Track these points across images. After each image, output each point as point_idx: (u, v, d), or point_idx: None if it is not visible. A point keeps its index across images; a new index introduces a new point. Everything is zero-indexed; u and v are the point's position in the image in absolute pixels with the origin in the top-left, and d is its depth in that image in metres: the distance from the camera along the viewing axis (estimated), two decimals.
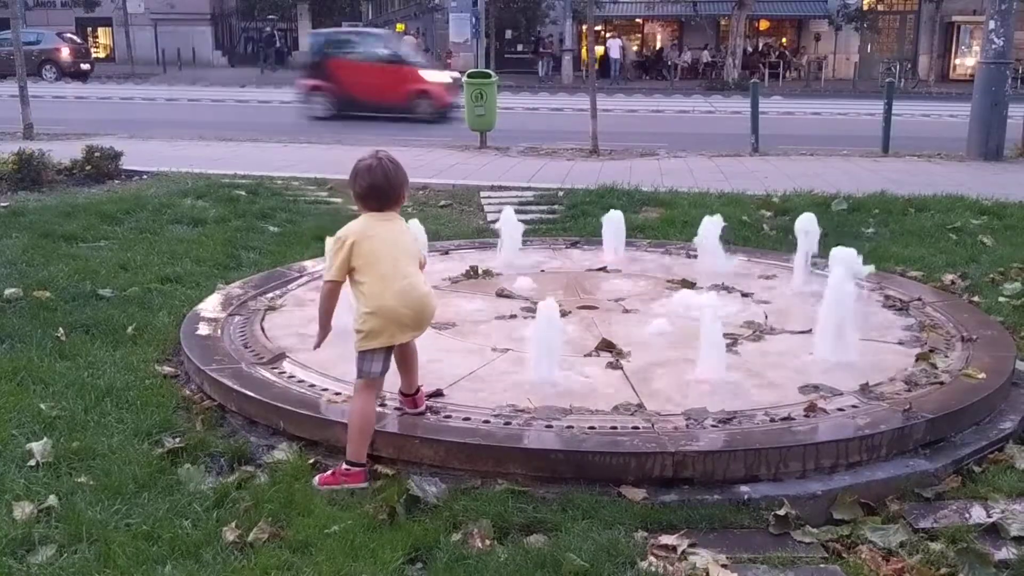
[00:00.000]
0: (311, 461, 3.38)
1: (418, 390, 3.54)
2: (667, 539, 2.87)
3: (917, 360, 4.15)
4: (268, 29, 44.46)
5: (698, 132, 16.88)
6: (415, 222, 4.40)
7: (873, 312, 4.92)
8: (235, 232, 7.07)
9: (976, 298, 5.43)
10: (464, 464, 3.28)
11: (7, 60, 23.40)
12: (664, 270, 5.87)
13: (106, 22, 44.28)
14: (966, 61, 36.17)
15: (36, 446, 3.37)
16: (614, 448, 3.25)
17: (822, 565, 2.82)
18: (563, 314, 4.31)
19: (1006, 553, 2.87)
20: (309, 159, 11.63)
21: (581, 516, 2.98)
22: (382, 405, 3.50)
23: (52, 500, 3.03)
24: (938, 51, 37.45)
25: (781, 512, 3.02)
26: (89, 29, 44.08)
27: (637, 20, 41.53)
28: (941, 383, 3.88)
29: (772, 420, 3.49)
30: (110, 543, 2.78)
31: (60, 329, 4.67)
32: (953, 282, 5.79)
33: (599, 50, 33.61)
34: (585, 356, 4.21)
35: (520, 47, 39.97)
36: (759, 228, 7.37)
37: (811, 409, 3.56)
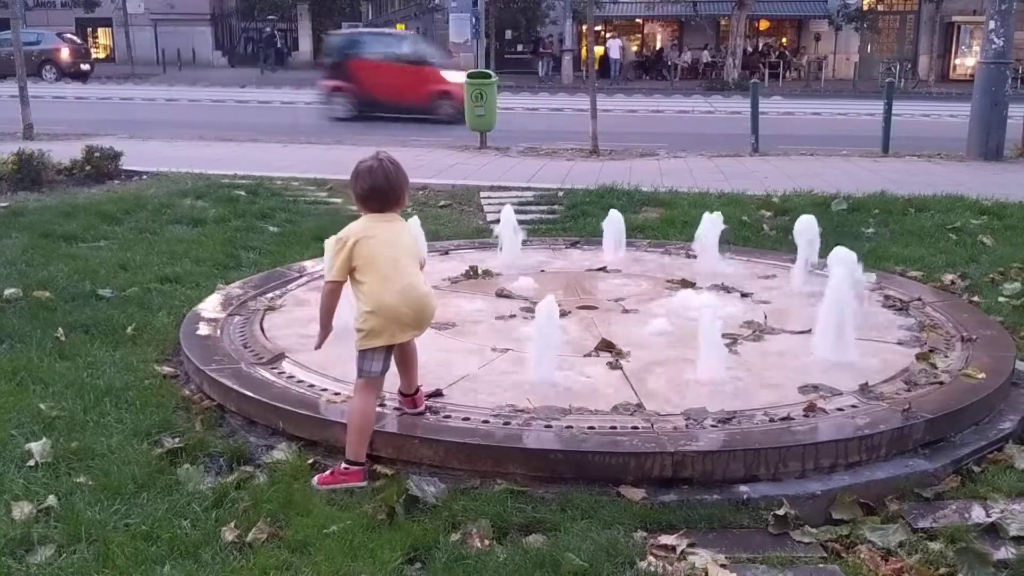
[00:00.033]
0: (310, 461, 3.37)
1: (417, 390, 3.54)
2: (666, 539, 2.87)
3: (917, 360, 4.15)
4: (268, 29, 44.46)
5: (698, 132, 16.88)
6: (415, 220, 4.40)
7: (873, 312, 4.92)
8: (235, 232, 7.07)
9: (976, 298, 5.43)
10: (463, 464, 3.28)
11: (7, 60, 23.38)
12: (664, 270, 5.87)
13: (106, 22, 44.29)
14: (966, 61, 36.17)
15: (35, 446, 3.37)
16: (613, 448, 3.25)
17: (821, 565, 2.82)
18: (563, 314, 4.31)
19: (1005, 553, 2.87)
20: (309, 159, 11.63)
21: (580, 516, 2.98)
22: (381, 405, 3.50)
23: (51, 500, 3.03)
24: (938, 51, 37.45)
25: (780, 512, 3.02)
26: (89, 29, 44.09)
27: (637, 20, 41.54)
28: (941, 383, 3.88)
29: (771, 420, 3.49)
30: (109, 543, 2.78)
31: (60, 329, 4.67)
32: (953, 282, 5.79)
33: (599, 50, 33.61)
34: (585, 356, 4.21)
35: (520, 47, 39.97)
36: (759, 228, 7.37)
37: (810, 409, 3.56)
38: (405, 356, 3.45)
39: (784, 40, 40.75)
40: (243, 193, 8.64)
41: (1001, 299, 5.37)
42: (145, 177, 9.74)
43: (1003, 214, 7.72)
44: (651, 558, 2.77)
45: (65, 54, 32.14)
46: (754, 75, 29.00)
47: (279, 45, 44.12)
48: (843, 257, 4.41)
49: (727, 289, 5.36)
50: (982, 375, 3.92)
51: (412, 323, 3.29)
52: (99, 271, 5.76)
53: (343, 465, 3.23)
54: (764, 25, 40.55)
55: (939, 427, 3.52)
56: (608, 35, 38.53)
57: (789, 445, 3.28)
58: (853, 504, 3.12)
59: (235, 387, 3.83)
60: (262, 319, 4.80)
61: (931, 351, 4.26)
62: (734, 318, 4.72)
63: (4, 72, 25.43)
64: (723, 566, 2.75)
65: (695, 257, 6.07)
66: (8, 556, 2.75)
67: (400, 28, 39.35)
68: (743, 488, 3.16)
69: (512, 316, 4.82)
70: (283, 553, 2.77)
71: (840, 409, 3.60)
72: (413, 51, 19.43)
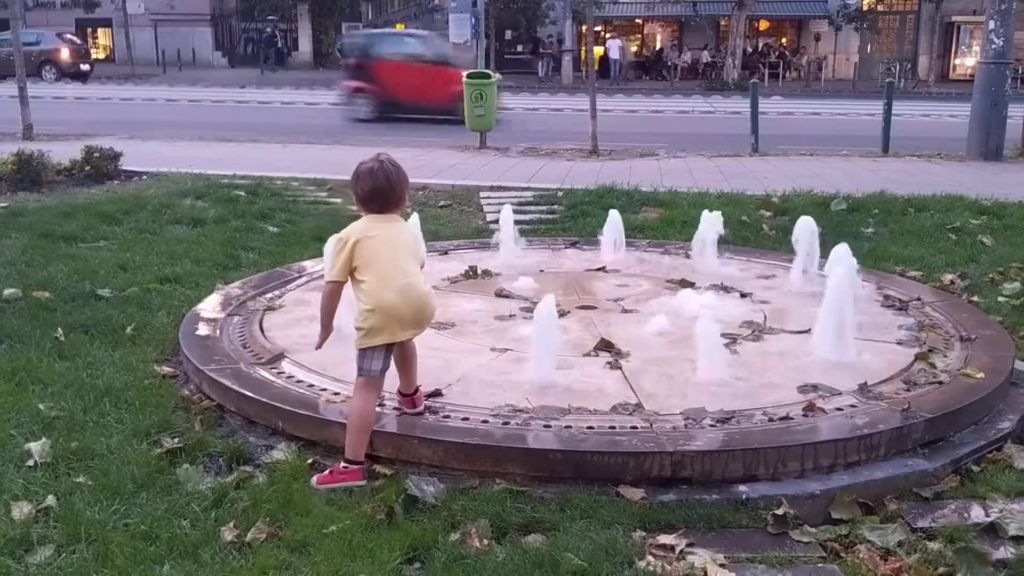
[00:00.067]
0: (309, 461, 3.38)
1: (417, 390, 3.55)
2: (665, 539, 2.87)
3: (916, 360, 4.15)
4: (268, 30, 44.41)
5: (698, 132, 16.89)
6: (415, 219, 4.41)
7: (872, 312, 4.92)
8: (234, 232, 7.07)
9: (975, 298, 5.43)
10: (462, 464, 3.28)
11: (7, 61, 23.38)
12: (663, 270, 5.87)
13: (106, 23, 44.22)
14: (966, 61, 36.15)
15: (35, 446, 3.37)
16: (613, 448, 3.25)
17: (820, 564, 2.82)
18: (562, 314, 4.31)
19: (1004, 552, 2.87)
20: (308, 159, 11.63)
21: (579, 516, 2.98)
22: (381, 405, 3.50)
23: (51, 500, 3.03)
24: (938, 51, 37.44)
25: (779, 512, 3.02)
26: (89, 30, 44.01)
27: (637, 20, 41.53)
28: (940, 383, 3.88)
29: (771, 420, 3.49)
30: (108, 543, 2.78)
31: (59, 329, 4.67)
32: (952, 282, 5.79)
33: (599, 50, 33.59)
34: (584, 356, 4.21)
35: (520, 47, 39.96)
36: (758, 228, 7.38)
37: (810, 409, 3.56)
38: (405, 356, 3.45)
39: (784, 40, 40.73)
40: (243, 193, 8.64)
41: (1000, 299, 5.38)
42: (145, 177, 9.74)
43: (1003, 214, 7.72)
44: (650, 558, 2.77)
45: (65, 54, 32.13)
46: (754, 75, 29.00)
47: (279, 45, 44.06)
48: (842, 255, 4.41)
49: (727, 289, 5.36)
50: (981, 375, 3.92)
51: (412, 322, 3.29)
52: (99, 271, 5.76)
53: (342, 464, 3.24)
54: (764, 25, 40.54)
55: (938, 427, 3.52)
56: (608, 35, 38.51)
57: (788, 445, 3.28)
58: (852, 504, 3.12)
59: (234, 387, 3.83)
60: (261, 319, 4.80)
61: (930, 351, 4.26)
62: (733, 318, 4.72)
63: (4, 72, 25.43)
64: (722, 566, 2.75)
65: (695, 257, 6.07)
66: (7, 556, 2.75)
67: (400, 28, 39.37)
68: (742, 488, 3.16)
69: (511, 316, 4.82)
70: (282, 553, 2.77)
71: (839, 409, 3.60)
72: (435, 52, 19.34)
